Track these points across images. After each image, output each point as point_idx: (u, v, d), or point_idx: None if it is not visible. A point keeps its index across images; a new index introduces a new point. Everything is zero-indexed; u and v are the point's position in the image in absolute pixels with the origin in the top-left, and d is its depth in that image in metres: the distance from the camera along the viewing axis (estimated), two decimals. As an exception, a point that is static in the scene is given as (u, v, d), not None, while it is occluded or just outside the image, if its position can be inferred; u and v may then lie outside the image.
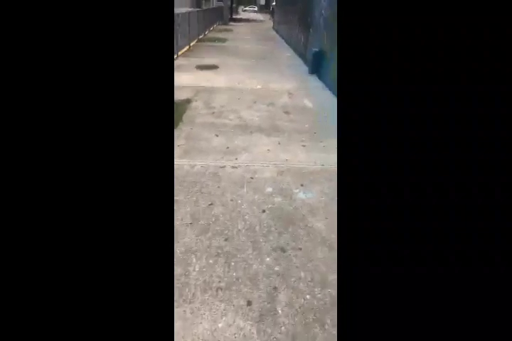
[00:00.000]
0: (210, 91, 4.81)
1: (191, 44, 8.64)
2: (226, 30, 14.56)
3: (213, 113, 3.92)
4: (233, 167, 2.69)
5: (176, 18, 8.11)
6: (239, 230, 1.96)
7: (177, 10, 10.43)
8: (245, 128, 3.51)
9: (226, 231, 1.94)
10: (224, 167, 2.69)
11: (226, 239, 1.88)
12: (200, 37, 10.43)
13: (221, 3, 19.45)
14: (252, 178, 2.53)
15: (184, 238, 1.89)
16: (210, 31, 12.91)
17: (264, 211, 2.15)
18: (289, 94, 4.89)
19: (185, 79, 5.41)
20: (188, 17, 8.31)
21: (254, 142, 3.18)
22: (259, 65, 6.81)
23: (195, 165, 2.71)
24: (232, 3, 21.47)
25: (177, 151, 2.93)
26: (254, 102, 4.36)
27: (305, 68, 6.76)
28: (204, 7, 18.32)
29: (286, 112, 4.08)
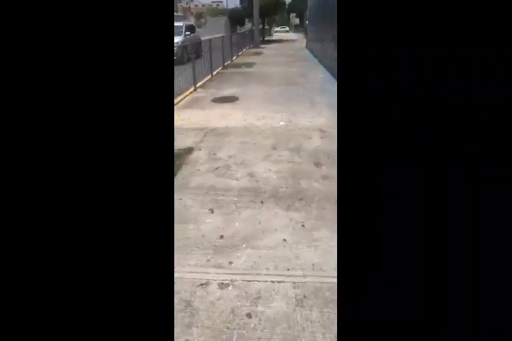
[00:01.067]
0: (221, 133, 3.87)
1: (214, 73, 7.93)
2: (256, 53, 13.95)
3: (217, 168, 2.94)
4: (222, 285, 1.62)
5: (194, 46, 7.52)
6: None
7: (208, 37, 9.93)
8: (255, 194, 2.46)
9: None
10: (206, 285, 1.63)
11: None
12: (227, 63, 9.75)
13: (253, 27, 19.15)
14: (249, 316, 1.41)
15: None
16: (238, 56, 12.30)
17: None
18: (322, 132, 3.79)
19: (195, 117, 4.54)
20: (209, 44, 7.65)
21: (265, 223, 2.11)
22: (286, 93, 5.82)
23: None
24: (263, 25, 21.12)
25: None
26: (274, 148, 3.33)
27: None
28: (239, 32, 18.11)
29: (317, 164, 2.97)
